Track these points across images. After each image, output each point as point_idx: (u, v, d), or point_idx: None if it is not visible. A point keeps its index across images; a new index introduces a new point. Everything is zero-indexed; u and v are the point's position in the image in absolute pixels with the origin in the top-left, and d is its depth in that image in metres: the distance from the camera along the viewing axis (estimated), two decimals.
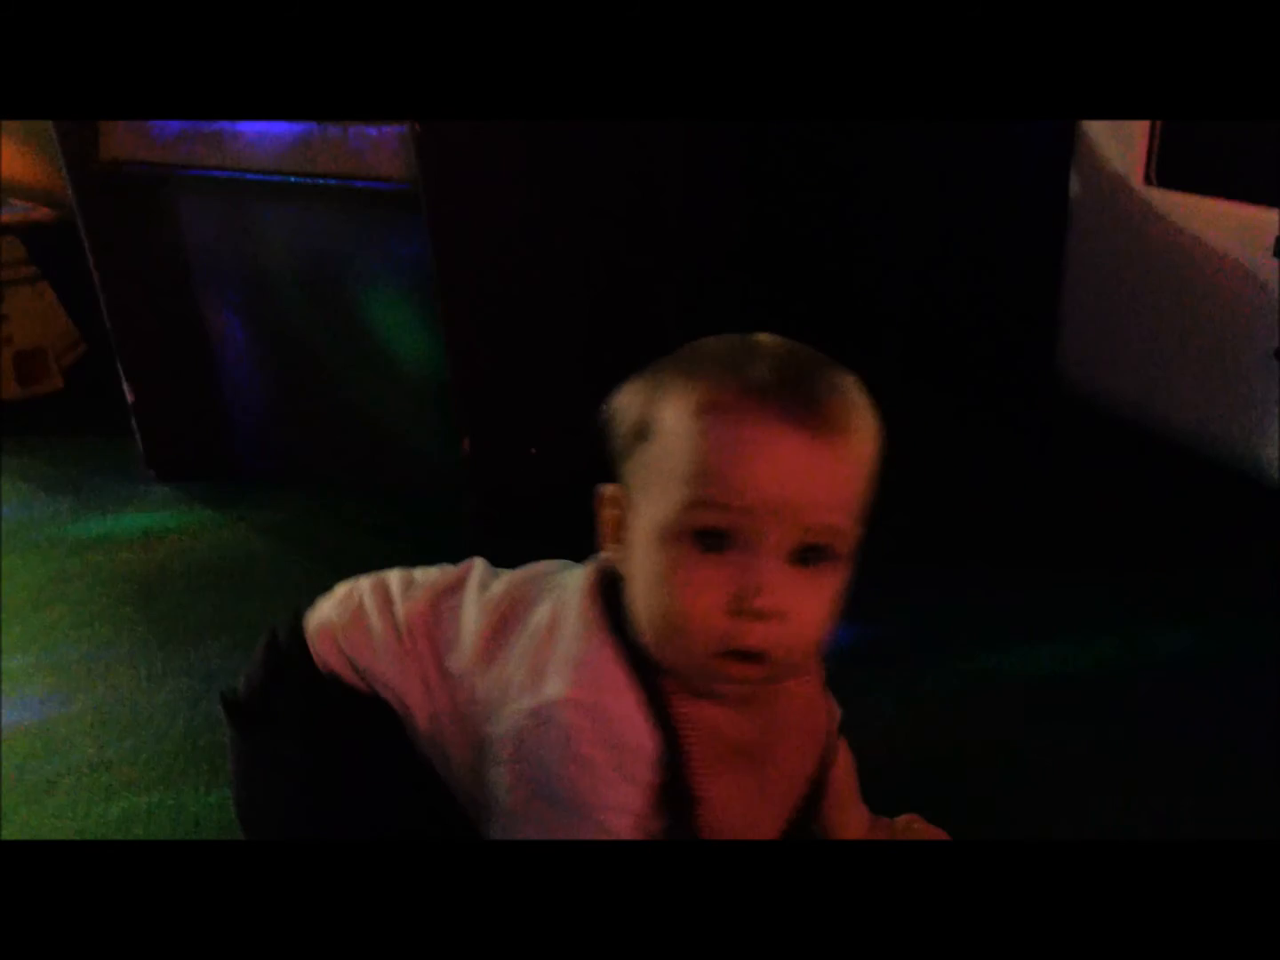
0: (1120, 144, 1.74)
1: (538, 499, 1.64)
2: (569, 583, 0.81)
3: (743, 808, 0.79)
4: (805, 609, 0.72)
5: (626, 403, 0.76)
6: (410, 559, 0.92)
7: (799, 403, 0.70)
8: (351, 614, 0.85)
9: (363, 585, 0.88)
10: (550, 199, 1.69)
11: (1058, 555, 1.57)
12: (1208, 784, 1.11)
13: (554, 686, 0.74)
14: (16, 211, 2.24)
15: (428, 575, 0.88)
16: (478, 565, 0.88)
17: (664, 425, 0.72)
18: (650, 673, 0.75)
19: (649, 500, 0.73)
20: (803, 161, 2.04)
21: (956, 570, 1.52)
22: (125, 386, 1.86)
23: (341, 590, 0.89)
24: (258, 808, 0.84)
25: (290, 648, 0.86)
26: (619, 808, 0.74)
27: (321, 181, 1.62)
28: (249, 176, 1.68)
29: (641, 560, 0.73)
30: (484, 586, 0.85)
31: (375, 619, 0.84)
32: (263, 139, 1.65)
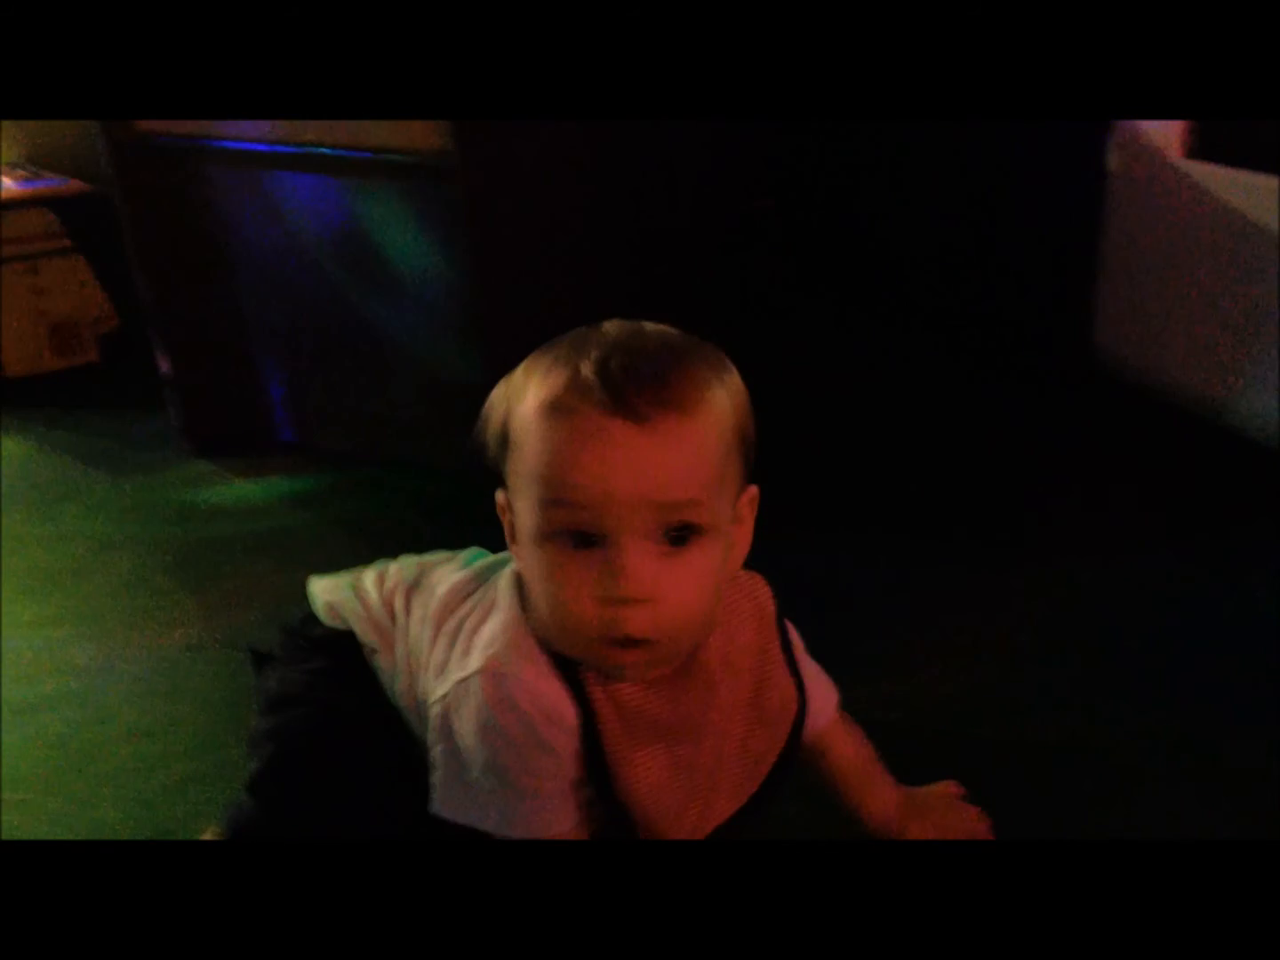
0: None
1: None
2: (502, 573, 0.84)
3: (671, 782, 0.81)
4: (677, 590, 0.73)
5: (490, 410, 0.78)
6: (441, 532, 0.95)
7: (628, 391, 0.71)
8: (351, 585, 0.93)
9: (369, 567, 0.95)
10: (584, 180, 1.69)
11: (1095, 534, 1.56)
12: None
13: (474, 661, 0.78)
14: (50, 185, 2.25)
15: (426, 555, 0.94)
16: (469, 550, 0.92)
17: (516, 429, 0.74)
18: (563, 654, 0.78)
19: (520, 504, 0.75)
20: (835, 137, 2.03)
21: (991, 548, 1.52)
22: (159, 359, 1.87)
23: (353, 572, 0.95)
24: (259, 744, 0.89)
25: (302, 612, 0.94)
26: (541, 773, 0.77)
27: (352, 154, 1.63)
28: (280, 149, 1.69)
29: (526, 560, 0.76)
30: (461, 566, 0.89)
31: (370, 588, 0.91)
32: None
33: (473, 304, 1.64)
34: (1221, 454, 1.69)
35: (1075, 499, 1.66)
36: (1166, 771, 1.10)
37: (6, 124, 2.56)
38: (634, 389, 0.71)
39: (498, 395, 0.77)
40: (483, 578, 0.86)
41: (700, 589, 0.74)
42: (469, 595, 0.85)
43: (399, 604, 0.89)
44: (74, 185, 2.24)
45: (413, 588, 0.89)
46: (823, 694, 0.92)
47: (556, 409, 0.72)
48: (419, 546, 0.96)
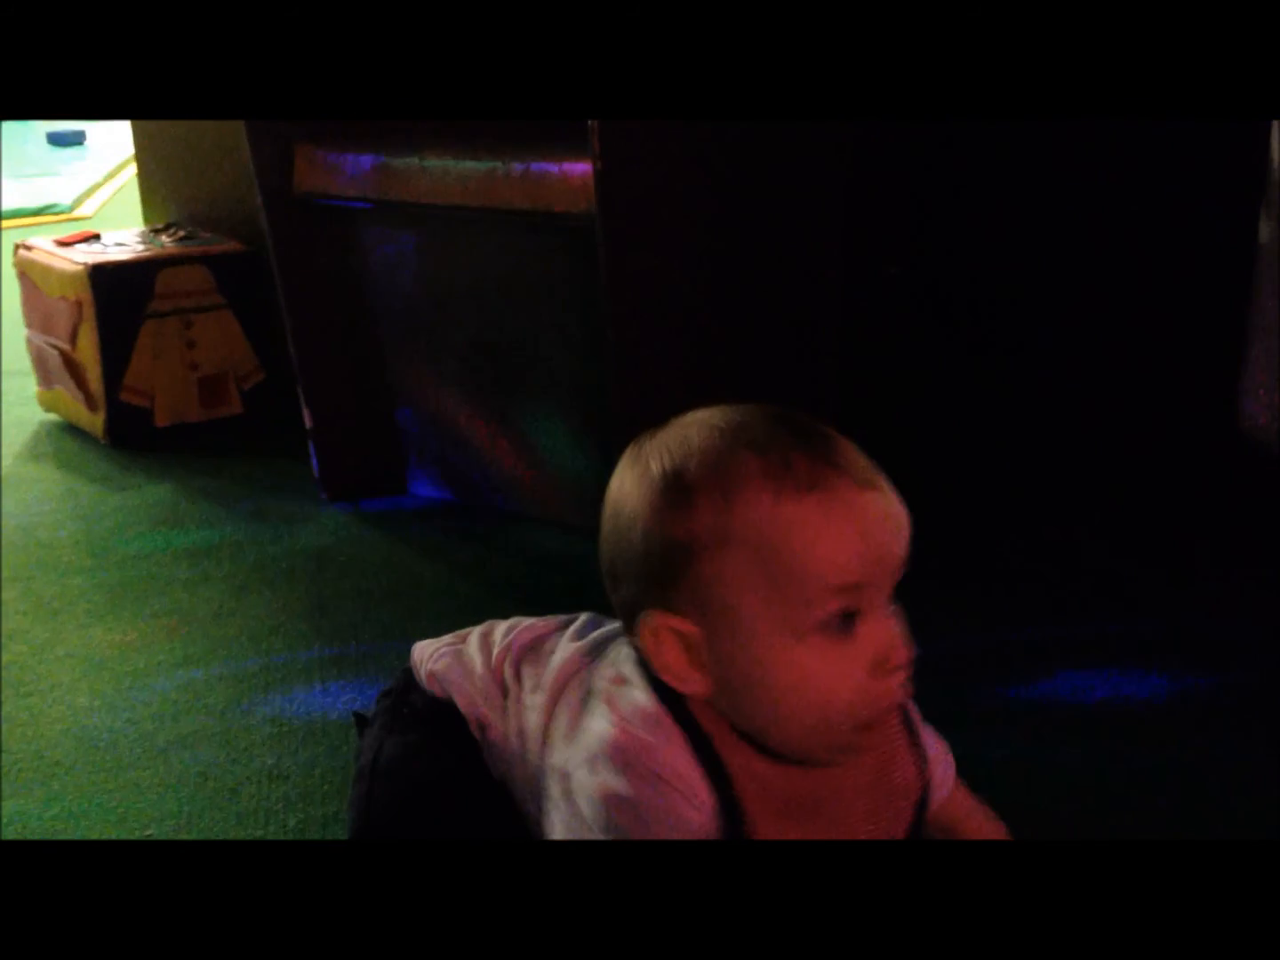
0: None
1: None
2: (621, 650, 0.79)
3: None
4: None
5: (639, 527, 0.71)
6: (569, 591, 0.94)
7: (856, 463, 0.70)
8: (457, 653, 0.88)
9: (473, 630, 0.90)
10: (721, 242, 1.70)
11: (1237, 603, 1.51)
12: None
13: (607, 734, 0.73)
14: (205, 243, 2.35)
15: (536, 620, 0.90)
16: (581, 616, 0.87)
17: (735, 529, 0.69)
18: (699, 728, 0.74)
19: (749, 615, 0.69)
20: (962, 203, 2.02)
21: (1131, 621, 1.48)
22: (305, 412, 1.93)
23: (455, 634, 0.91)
24: (349, 812, 0.87)
25: (405, 676, 0.90)
26: None
27: (500, 213, 1.67)
28: (433, 208, 1.74)
29: (761, 676, 0.70)
30: (578, 636, 0.84)
31: (474, 653, 0.87)
32: (447, 174, 1.70)
33: (607, 363, 1.66)
34: None
35: (1215, 570, 1.60)
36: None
37: (169, 187, 2.69)
38: (855, 459, 0.70)
39: (644, 511, 0.71)
40: (599, 649, 0.83)
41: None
42: (588, 666, 0.81)
43: (508, 674, 0.85)
44: (229, 244, 2.34)
45: (523, 657, 0.85)
46: (943, 769, 0.89)
47: (809, 488, 0.68)
48: (541, 599, 0.96)
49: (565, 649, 0.83)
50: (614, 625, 0.84)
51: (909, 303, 2.06)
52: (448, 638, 0.90)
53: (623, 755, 0.72)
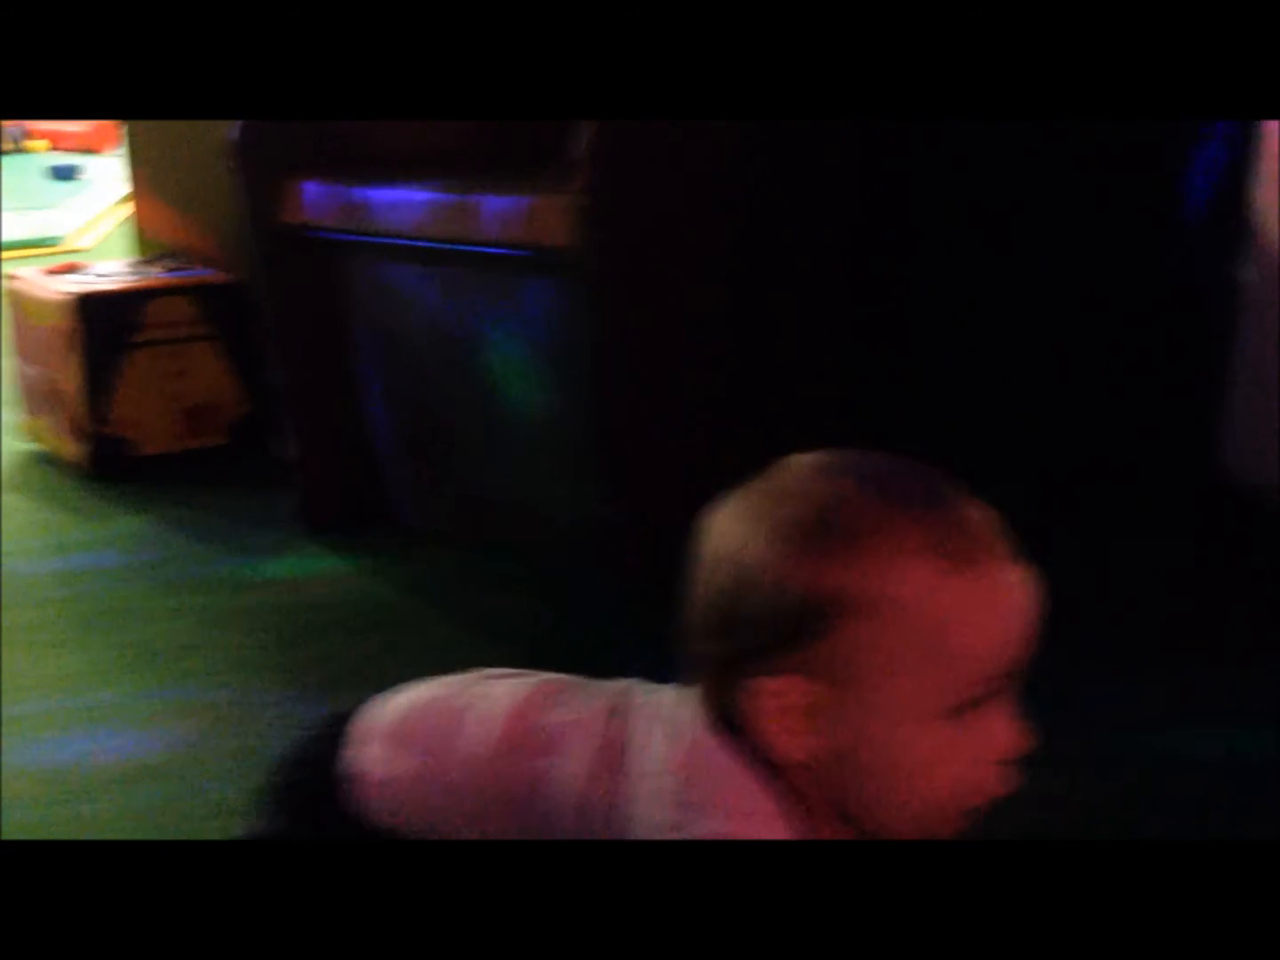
0: None
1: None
2: (678, 715, 0.69)
3: None
4: None
5: (768, 578, 0.63)
6: (552, 626, 0.91)
7: (998, 533, 0.64)
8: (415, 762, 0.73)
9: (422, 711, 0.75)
10: (708, 279, 1.70)
11: (1217, 654, 1.49)
12: None
13: (707, 824, 0.64)
14: (193, 275, 2.35)
15: (502, 689, 0.74)
16: (549, 679, 0.76)
17: (891, 595, 0.62)
18: (791, 801, 0.67)
19: (887, 688, 0.63)
20: (948, 260, 2.02)
21: (1110, 668, 1.46)
22: (289, 443, 1.92)
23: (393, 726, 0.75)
24: None
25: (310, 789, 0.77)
26: None
27: (467, 248, 1.67)
28: (416, 243, 1.74)
29: (879, 753, 0.64)
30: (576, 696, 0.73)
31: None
32: (424, 204, 1.70)
33: (593, 398, 1.65)
34: None
35: (1194, 620, 1.59)
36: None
37: (163, 218, 2.70)
38: (996, 528, 0.64)
39: (780, 559, 0.63)
40: (635, 709, 0.71)
41: None
42: (634, 732, 0.69)
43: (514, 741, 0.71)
44: (217, 275, 2.34)
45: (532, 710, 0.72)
46: None
47: (965, 565, 0.62)
48: (526, 634, 0.93)
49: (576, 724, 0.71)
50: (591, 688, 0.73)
51: (899, 347, 2.06)
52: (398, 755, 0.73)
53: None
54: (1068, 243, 1.91)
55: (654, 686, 0.72)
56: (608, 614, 1.60)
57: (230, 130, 1.85)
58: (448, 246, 1.72)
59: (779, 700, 0.64)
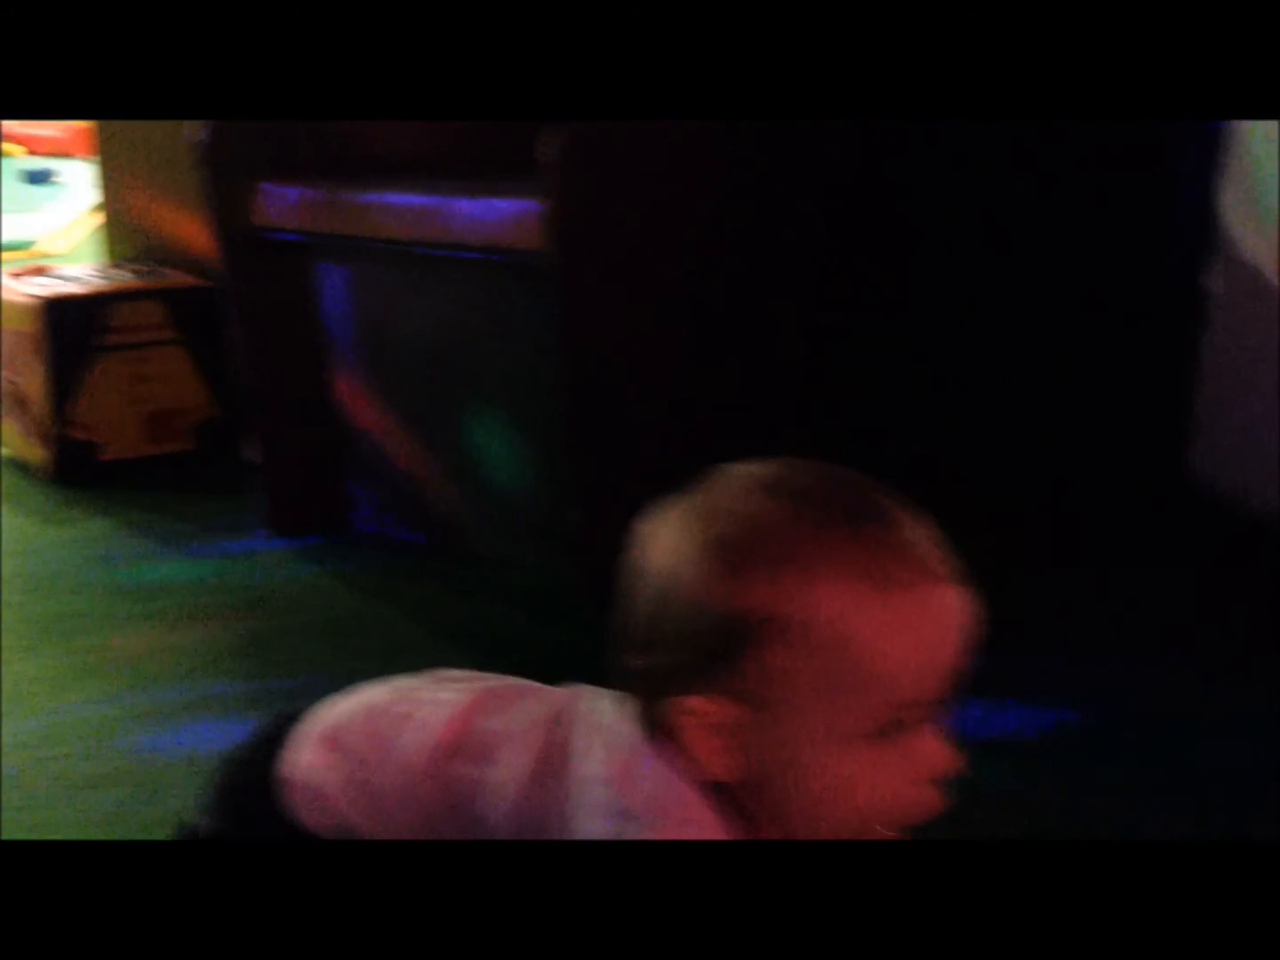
0: (1258, 235, 1.68)
1: None
2: (618, 724, 0.67)
3: None
4: None
5: (691, 596, 0.62)
6: (516, 630, 0.90)
7: (933, 554, 0.62)
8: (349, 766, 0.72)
9: (355, 727, 0.73)
10: (680, 284, 1.69)
11: (1195, 662, 1.49)
12: None
13: (645, 833, 0.63)
14: (160, 278, 2.33)
15: (445, 694, 0.73)
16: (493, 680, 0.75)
17: (809, 617, 0.60)
18: (731, 811, 0.66)
19: (802, 712, 0.62)
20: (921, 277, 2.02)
21: (1085, 679, 1.46)
22: (254, 448, 1.91)
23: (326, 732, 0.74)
24: None
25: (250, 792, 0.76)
26: None
27: (438, 252, 1.66)
28: (385, 245, 1.73)
29: (799, 776, 0.63)
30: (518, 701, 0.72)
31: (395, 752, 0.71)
32: (395, 208, 1.69)
33: (562, 404, 1.64)
34: None
35: (1168, 628, 1.59)
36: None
37: (133, 221, 2.68)
38: (932, 543, 0.63)
39: (709, 577, 0.62)
40: (573, 718, 0.69)
41: None
42: (573, 741, 0.68)
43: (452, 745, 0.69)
44: (184, 279, 2.32)
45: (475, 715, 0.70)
46: None
47: (892, 594, 0.61)
48: (490, 639, 0.92)
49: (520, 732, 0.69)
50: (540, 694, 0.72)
51: (872, 349, 2.06)
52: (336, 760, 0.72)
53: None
54: (1035, 252, 1.91)
55: (599, 692, 0.70)
56: (575, 618, 1.59)
57: (199, 132, 1.84)
58: (419, 250, 1.70)
59: (701, 719, 0.63)
